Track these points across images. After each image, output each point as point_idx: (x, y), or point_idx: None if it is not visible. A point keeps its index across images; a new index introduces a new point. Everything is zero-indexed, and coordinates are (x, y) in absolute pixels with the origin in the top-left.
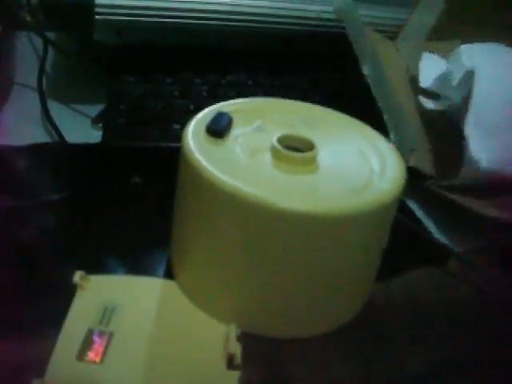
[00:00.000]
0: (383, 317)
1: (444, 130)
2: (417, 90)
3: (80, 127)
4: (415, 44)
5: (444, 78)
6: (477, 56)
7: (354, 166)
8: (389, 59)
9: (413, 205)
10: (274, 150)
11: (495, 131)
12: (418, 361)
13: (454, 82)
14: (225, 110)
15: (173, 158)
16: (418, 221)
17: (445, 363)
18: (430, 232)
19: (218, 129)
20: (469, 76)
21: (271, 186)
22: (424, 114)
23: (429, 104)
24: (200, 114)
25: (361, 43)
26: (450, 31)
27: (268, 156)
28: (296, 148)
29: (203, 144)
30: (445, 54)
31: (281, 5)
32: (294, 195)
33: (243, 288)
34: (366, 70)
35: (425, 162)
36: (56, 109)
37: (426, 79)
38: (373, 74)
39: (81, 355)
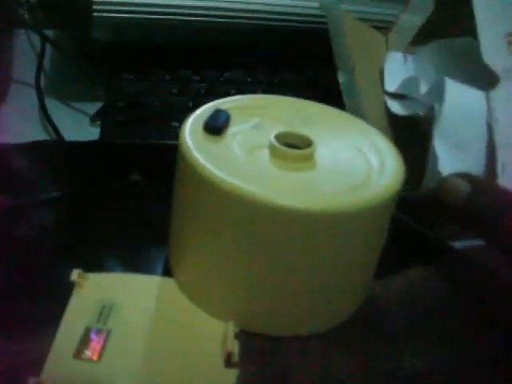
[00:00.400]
0: (382, 315)
1: (412, 136)
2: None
3: (78, 125)
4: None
5: (411, 81)
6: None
7: (352, 162)
8: (368, 66)
9: None
10: (271, 147)
11: (463, 147)
12: (417, 360)
13: (422, 87)
14: (223, 107)
15: (171, 156)
16: (418, 219)
17: (445, 363)
18: (430, 230)
19: (216, 126)
20: (440, 84)
21: (269, 183)
22: (392, 118)
23: (395, 108)
24: (198, 111)
25: (340, 48)
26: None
27: (266, 153)
28: (294, 145)
29: (201, 141)
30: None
31: (281, 1)
32: (292, 192)
33: (241, 286)
34: (340, 77)
35: None
36: (54, 106)
37: (392, 81)
38: (347, 83)
39: (78, 353)
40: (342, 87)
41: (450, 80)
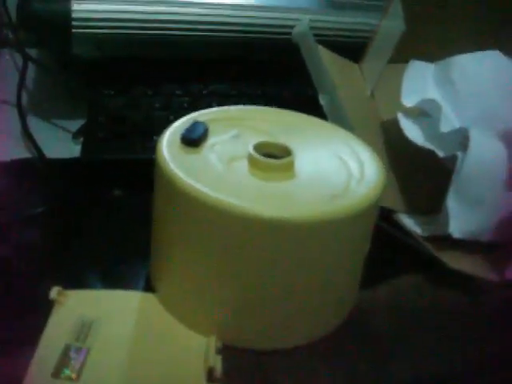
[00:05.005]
0: (370, 325)
1: (424, 166)
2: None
3: (61, 142)
4: (380, 68)
5: (432, 104)
6: (469, 70)
7: (331, 171)
8: (349, 87)
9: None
10: (250, 158)
11: (477, 203)
12: (405, 370)
13: (443, 124)
14: (201, 118)
15: (153, 171)
16: (403, 228)
17: (433, 372)
18: (416, 239)
19: (193, 138)
20: (464, 134)
21: (248, 194)
22: (401, 141)
23: (412, 134)
24: (175, 124)
25: (317, 72)
26: (414, 51)
27: (244, 164)
28: (273, 155)
29: (178, 153)
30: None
31: (263, 14)
32: (271, 202)
33: (222, 299)
34: (322, 99)
35: (390, 198)
36: (37, 124)
37: (410, 94)
38: (330, 105)
39: (57, 372)
40: (324, 109)
41: (475, 132)
